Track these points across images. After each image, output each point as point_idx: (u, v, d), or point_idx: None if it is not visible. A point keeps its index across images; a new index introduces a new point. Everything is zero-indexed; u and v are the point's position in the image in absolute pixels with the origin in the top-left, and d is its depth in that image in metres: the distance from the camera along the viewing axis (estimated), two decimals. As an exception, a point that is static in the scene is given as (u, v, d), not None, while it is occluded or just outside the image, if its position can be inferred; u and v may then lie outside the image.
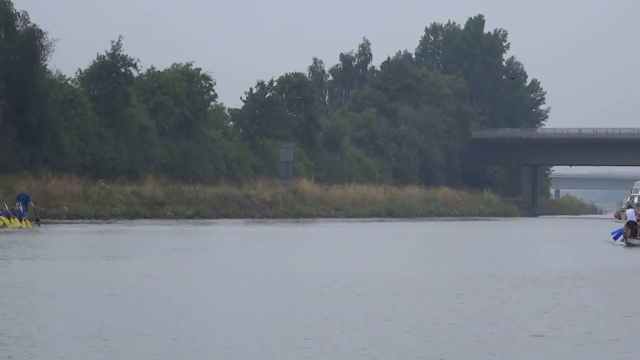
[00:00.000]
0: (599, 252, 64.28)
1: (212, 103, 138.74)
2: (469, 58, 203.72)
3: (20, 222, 77.90)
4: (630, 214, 70.26)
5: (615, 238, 70.16)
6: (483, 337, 24.97)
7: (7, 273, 41.21)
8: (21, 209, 79.73)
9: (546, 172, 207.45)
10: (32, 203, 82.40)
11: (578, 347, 23.87)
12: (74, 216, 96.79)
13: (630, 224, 68.30)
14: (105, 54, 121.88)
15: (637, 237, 67.37)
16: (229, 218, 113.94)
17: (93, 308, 31.41)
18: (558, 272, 46.31)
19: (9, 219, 77.37)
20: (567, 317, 30.06)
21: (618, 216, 77.20)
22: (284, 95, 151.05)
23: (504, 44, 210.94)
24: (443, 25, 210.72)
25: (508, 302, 34.39)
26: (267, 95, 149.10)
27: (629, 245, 66.28)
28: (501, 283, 41.00)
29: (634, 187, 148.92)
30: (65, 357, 22.30)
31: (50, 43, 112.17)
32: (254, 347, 24.33)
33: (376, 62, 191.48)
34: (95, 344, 24.06)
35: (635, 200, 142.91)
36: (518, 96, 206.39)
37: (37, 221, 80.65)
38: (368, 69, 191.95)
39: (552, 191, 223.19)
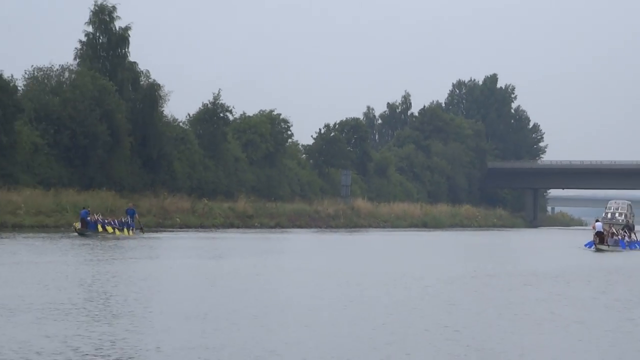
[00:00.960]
0: (577, 255, 64.10)
1: (289, 140, 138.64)
2: (485, 106, 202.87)
3: (128, 231, 77.40)
4: (598, 226, 70.65)
5: (588, 246, 69.73)
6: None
7: (135, 270, 41.14)
8: (129, 220, 79.18)
9: (544, 194, 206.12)
10: (137, 216, 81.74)
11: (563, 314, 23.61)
12: (184, 226, 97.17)
13: (598, 234, 68.95)
14: (208, 103, 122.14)
15: (604, 244, 67.82)
16: (302, 228, 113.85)
17: (201, 296, 31.25)
18: (552, 270, 47.04)
19: (121, 229, 76.86)
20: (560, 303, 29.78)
21: (594, 227, 77.23)
22: (344, 134, 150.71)
23: (513, 95, 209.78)
24: (466, 81, 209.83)
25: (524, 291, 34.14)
26: (331, 134, 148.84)
27: (598, 250, 66.70)
28: (515, 278, 40.82)
29: (607, 205, 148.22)
30: (177, 332, 22.07)
31: (166, 94, 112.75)
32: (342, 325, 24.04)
33: (415, 109, 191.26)
34: (201, 324, 23.85)
35: (609, 215, 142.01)
36: (523, 136, 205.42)
37: (142, 229, 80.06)
38: (408, 114, 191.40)
39: (549, 208, 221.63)
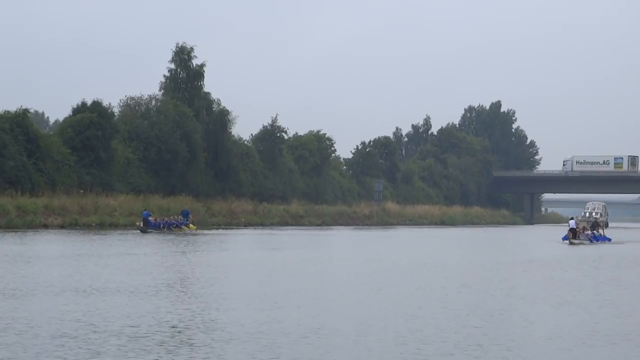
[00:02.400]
0: (555, 248, 63.69)
1: (332, 155, 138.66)
2: (491, 127, 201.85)
3: (183, 228, 76.33)
4: (572, 223, 70.29)
5: (564, 239, 69.15)
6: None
7: (209, 260, 41.38)
8: (183, 220, 78.37)
9: (539, 197, 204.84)
10: (191, 216, 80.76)
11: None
12: (248, 225, 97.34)
13: (572, 230, 68.29)
14: (267, 125, 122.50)
15: (577, 238, 67.39)
16: (342, 225, 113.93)
17: (264, 280, 31.45)
18: (538, 259, 46.66)
19: (178, 227, 76.12)
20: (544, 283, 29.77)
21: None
22: (377, 149, 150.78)
23: (513, 118, 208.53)
24: (475, 107, 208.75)
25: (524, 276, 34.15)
26: (367, 150, 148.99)
27: (571, 244, 66.19)
28: (514, 266, 40.78)
29: (586, 206, 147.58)
30: (244, 311, 22.26)
31: (234, 118, 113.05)
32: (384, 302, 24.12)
33: (434, 129, 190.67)
34: (265, 304, 24.05)
35: (587, 214, 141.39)
36: (522, 150, 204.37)
37: (195, 227, 78.81)
38: (429, 133, 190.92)
39: (543, 209, 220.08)
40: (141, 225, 72.56)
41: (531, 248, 63.95)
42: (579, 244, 66.43)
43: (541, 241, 75.23)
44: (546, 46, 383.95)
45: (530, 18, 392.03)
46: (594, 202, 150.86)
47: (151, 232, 71.31)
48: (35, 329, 18.46)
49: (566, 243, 67.18)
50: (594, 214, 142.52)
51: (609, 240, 71.72)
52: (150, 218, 74.26)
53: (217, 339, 17.69)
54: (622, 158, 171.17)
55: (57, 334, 17.78)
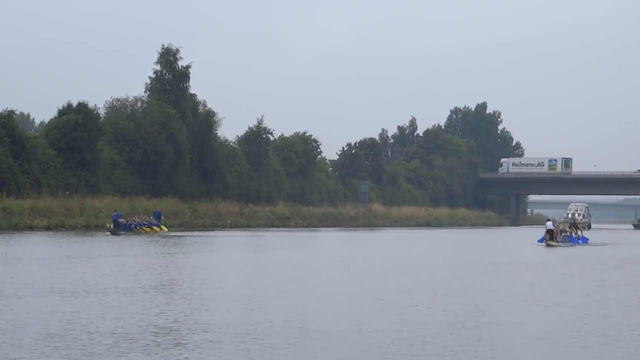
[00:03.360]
0: (529, 250, 62.65)
1: (318, 156, 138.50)
2: (477, 128, 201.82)
3: (154, 229, 74.34)
4: (549, 224, 68.89)
5: (540, 242, 68.09)
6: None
7: (194, 263, 41.37)
8: (155, 221, 76.27)
9: (525, 198, 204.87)
10: (163, 217, 78.78)
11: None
12: (234, 226, 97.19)
13: (549, 232, 67.04)
14: (253, 126, 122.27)
15: (553, 240, 66.22)
16: (329, 227, 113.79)
17: (250, 282, 31.49)
18: (516, 260, 46.54)
19: (149, 228, 74.05)
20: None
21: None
22: (362, 151, 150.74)
23: (499, 119, 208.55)
24: (461, 108, 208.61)
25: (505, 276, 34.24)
26: (352, 152, 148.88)
27: (548, 246, 64.87)
28: (498, 266, 40.88)
29: (568, 207, 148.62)
30: (230, 310, 22.30)
31: (220, 119, 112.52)
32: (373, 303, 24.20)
33: (420, 130, 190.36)
34: (251, 304, 24.14)
35: (569, 215, 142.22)
36: (507, 152, 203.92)
37: (167, 229, 76.66)
38: (415, 135, 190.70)
39: (529, 210, 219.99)
40: (111, 227, 70.20)
41: (504, 250, 63.12)
42: (556, 245, 65.23)
43: (518, 243, 74.07)
44: (531, 48, 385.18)
45: (516, 20, 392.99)
46: (577, 203, 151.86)
47: (122, 233, 69.30)
48: (24, 329, 18.48)
49: (542, 245, 66.00)
50: (576, 215, 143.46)
51: (587, 241, 70.59)
52: (120, 219, 71.66)
53: (206, 340, 17.76)
54: (556, 160, 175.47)
55: (44, 335, 17.81)
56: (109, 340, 17.36)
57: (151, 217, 78.42)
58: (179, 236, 69.00)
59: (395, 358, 16.39)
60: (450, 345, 17.74)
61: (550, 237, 66.28)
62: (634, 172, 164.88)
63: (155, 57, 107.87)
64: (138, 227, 73.01)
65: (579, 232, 72.88)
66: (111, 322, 19.75)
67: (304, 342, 17.80)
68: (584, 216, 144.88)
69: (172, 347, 16.90)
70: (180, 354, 16.31)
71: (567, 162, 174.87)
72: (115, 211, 73.65)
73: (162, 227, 76.28)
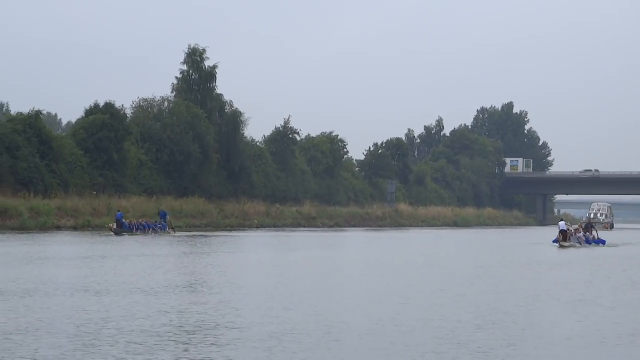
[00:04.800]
0: (546, 251, 60.72)
1: (345, 156, 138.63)
2: (504, 128, 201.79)
3: (161, 232, 71.97)
4: (562, 225, 65.50)
5: (554, 242, 65.01)
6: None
7: (220, 263, 41.38)
8: (161, 222, 73.65)
9: (552, 198, 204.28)
10: (169, 217, 75.62)
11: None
12: (261, 226, 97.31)
13: (562, 232, 63.97)
14: (280, 126, 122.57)
15: (567, 241, 62.94)
16: (355, 227, 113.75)
17: (278, 281, 31.46)
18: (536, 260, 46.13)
19: (154, 230, 71.56)
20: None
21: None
22: (389, 151, 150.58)
23: (526, 119, 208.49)
24: (488, 108, 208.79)
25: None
26: (379, 152, 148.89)
27: (561, 247, 61.77)
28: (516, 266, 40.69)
29: (591, 207, 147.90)
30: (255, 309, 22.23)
31: (246, 119, 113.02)
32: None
33: (447, 130, 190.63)
34: (282, 303, 24.05)
35: (592, 215, 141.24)
36: (534, 152, 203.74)
37: (173, 229, 73.77)
38: (442, 135, 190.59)
39: (556, 210, 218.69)
40: (114, 227, 68.54)
41: (513, 251, 61.11)
42: (569, 246, 62.53)
43: (535, 244, 71.70)
44: (559, 45, 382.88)
45: (540, 17, 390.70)
46: (599, 203, 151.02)
47: (125, 234, 67.35)
48: (56, 327, 18.50)
49: (556, 246, 63.36)
50: (598, 215, 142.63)
51: (603, 243, 67.32)
52: (124, 220, 69.58)
53: (236, 338, 17.71)
54: (517, 161, 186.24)
55: (76, 333, 17.81)
56: (139, 339, 17.34)
57: (158, 220, 75.34)
58: (218, 236, 69.07)
59: (426, 356, 16.28)
60: (483, 347, 17.60)
61: (564, 237, 64.12)
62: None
63: (181, 57, 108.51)
64: (141, 230, 70.87)
65: (595, 233, 69.47)
66: (141, 321, 19.74)
67: (333, 338, 17.71)
68: (606, 216, 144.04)
69: (203, 345, 16.85)
70: (212, 351, 16.25)
71: (527, 162, 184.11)
72: (119, 211, 71.78)
73: (168, 228, 73.68)
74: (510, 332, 19.47)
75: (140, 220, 72.86)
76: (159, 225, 73.34)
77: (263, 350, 16.46)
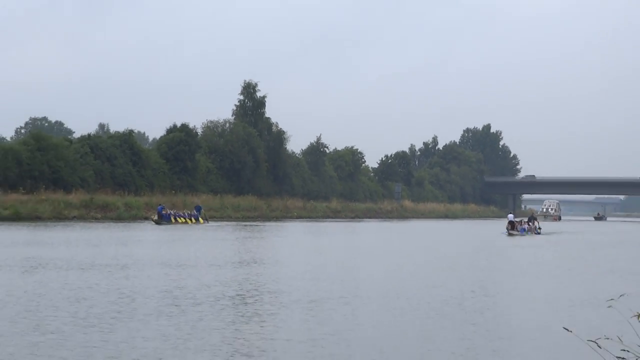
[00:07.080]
0: (497, 238, 59.23)
1: (362, 165, 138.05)
2: (483, 144, 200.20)
3: (195, 221, 66.82)
4: (510, 217, 63.57)
5: (504, 232, 62.12)
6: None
7: (262, 245, 41.02)
8: (196, 214, 68.20)
9: (520, 197, 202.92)
10: (203, 210, 70.86)
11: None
12: (299, 217, 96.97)
13: (510, 223, 62.08)
14: (314, 142, 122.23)
15: (514, 230, 60.76)
16: (370, 218, 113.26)
17: (322, 260, 30.99)
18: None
19: (190, 219, 66.63)
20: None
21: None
22: (396, 161, 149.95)
23: (500, 137, 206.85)
24: (471, 128, 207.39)
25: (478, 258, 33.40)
26: (389, 161, 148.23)
27: (510, 235, 59.34)
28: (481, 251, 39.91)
29: (543, 203, 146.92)
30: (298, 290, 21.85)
31: (288, 137, 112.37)
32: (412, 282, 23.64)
33: (440, 145, 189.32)
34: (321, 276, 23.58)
35: (544, 209, 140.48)
36: (507, 162, 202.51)
37: (207, 220, 68.97)
38: (436, 149, 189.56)
39: (523, 206, 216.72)
40: (156, 218, 64.01)
41: (472, 239, 59.44)
42: (515, 235, 59.92)
43: (494, 233, 69.37)
44: (526, 75, 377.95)
45: (511, 47, 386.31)
46: (549, 200, 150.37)
47: (164, 223, 62.94)
48: (144, 294, 18.24)
49: (505, 234, 60.64)
50: (549, 209, 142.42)
51: (538, 232, 64.02)
52: (163, 212, 64.75)
53: (280, 304, 17.36)
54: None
55: (163, 298, 17.54)
56: (207, 303, 17.01)
57: (194, 211, 70.51)
58: (266, 225, 68.72)
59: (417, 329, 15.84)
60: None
61: (512, 227, 61.89)
62: (600, 177, 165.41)
63: (239, 89, 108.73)
64: (177, 218, 65.91)
65: (536, 224, 66.99)
66: (208, 290, 19.45)
67: (358, 300, 17.31)
68: (555, 210, 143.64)
69: (249, 308, 16.51)
70: (259, 312, 15.91)
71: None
72: (160, 205, 67.79)
73: (200, 219, 68.17)
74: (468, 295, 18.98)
75: (177, 212, 67.76)
76: (193, 215, 67.79)
77: (304, 315, 16.12)
